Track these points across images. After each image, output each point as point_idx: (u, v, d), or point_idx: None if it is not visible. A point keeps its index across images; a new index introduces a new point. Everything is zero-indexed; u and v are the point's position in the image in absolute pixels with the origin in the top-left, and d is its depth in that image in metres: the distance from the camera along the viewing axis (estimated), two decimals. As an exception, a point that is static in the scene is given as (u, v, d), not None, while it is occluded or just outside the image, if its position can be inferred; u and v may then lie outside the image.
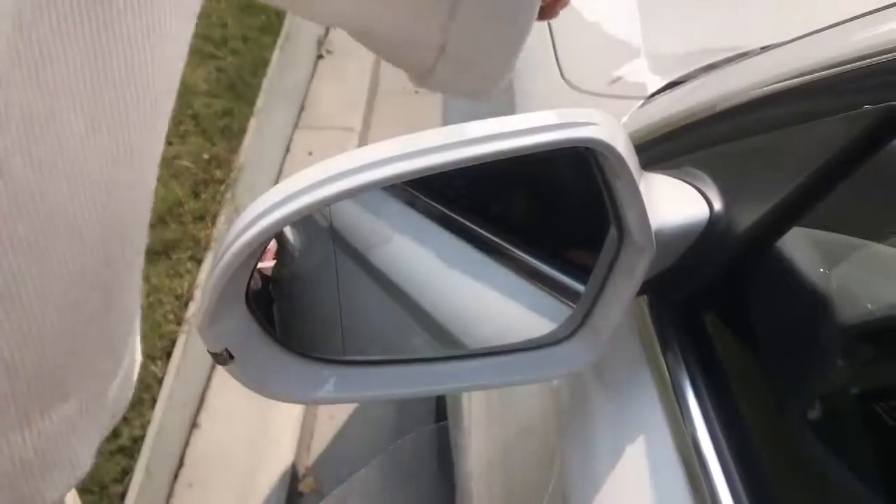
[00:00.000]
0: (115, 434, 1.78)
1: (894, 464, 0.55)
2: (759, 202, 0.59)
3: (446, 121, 1.70)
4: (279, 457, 1.87)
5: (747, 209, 0.60)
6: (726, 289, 0.65)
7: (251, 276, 0.52)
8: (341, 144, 2.69)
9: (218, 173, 2.42)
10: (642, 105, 0.94)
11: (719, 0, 1.19)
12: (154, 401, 1.84)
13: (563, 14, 1.32)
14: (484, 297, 0.71)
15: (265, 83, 2.78)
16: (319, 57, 3.07)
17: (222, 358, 0.53)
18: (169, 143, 2.46)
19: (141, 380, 2.03)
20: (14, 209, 0.37)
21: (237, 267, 0.47)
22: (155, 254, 2.15)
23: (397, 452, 1.79)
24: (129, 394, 0.59)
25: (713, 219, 0.62)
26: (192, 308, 2.07)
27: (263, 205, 0.47)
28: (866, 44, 0.53)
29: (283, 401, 0.60)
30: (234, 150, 2.51)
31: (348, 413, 2.00)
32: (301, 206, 0.46)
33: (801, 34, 0.66)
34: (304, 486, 1.88)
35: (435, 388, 0.64)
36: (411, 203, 0.69)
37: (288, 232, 0.63)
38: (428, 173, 0.47)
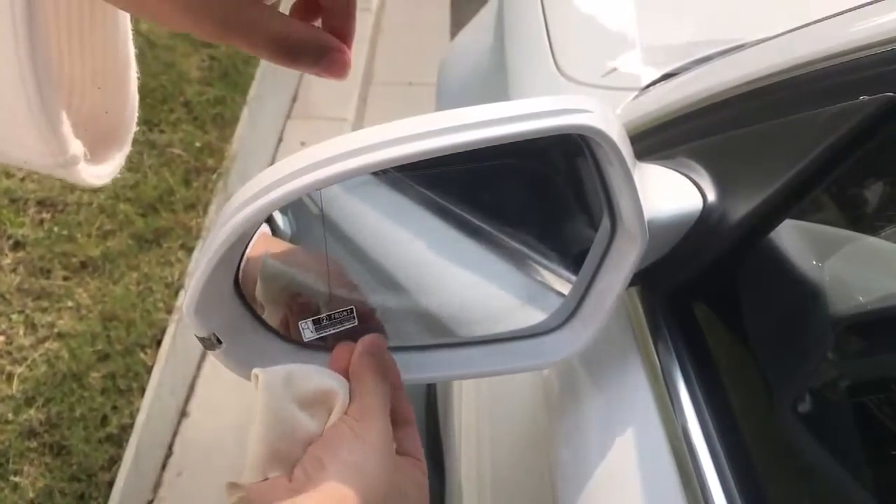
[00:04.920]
0: (104, 422, 1.78)
1: (882, 454, 0.55)
2: (753, 193, 0.58)
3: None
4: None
5: (741, 200, 0.60)
6: (718, 280, 0.65)
7: (240, 260, 0.52)
8: (334, 135, 2.65)
9: (210, 162, 2.40)
10: (637, 96, 0.94)
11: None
12: (143, 389, 1.83)
13: (559, 4, 1.32)
14: (475, 286, 0.71)
15: (258, 72, 2.76)
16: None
17: (209, 342, 0.52)
18: (161, 130, 2.44)
19: (130, 368, 2.00)
20: None
21: (227, 250, 0.46)
22: (146, 242, 2.13)
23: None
24: None
25: (706, 210, 0.62)
26: (183, 297, 2.06)
27: (254, 188, 0.46)
28: (863, 35, 0.53)
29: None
30: (227, 138, 2.50)
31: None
32: (291, 190, 0.46)
33: (796, 25, 0.66)
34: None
35: (425, 376, 0.64)
36: (402, 191, 0.69)
37: (279, 218, 0.62)
38: (420, 158, 0.46)
